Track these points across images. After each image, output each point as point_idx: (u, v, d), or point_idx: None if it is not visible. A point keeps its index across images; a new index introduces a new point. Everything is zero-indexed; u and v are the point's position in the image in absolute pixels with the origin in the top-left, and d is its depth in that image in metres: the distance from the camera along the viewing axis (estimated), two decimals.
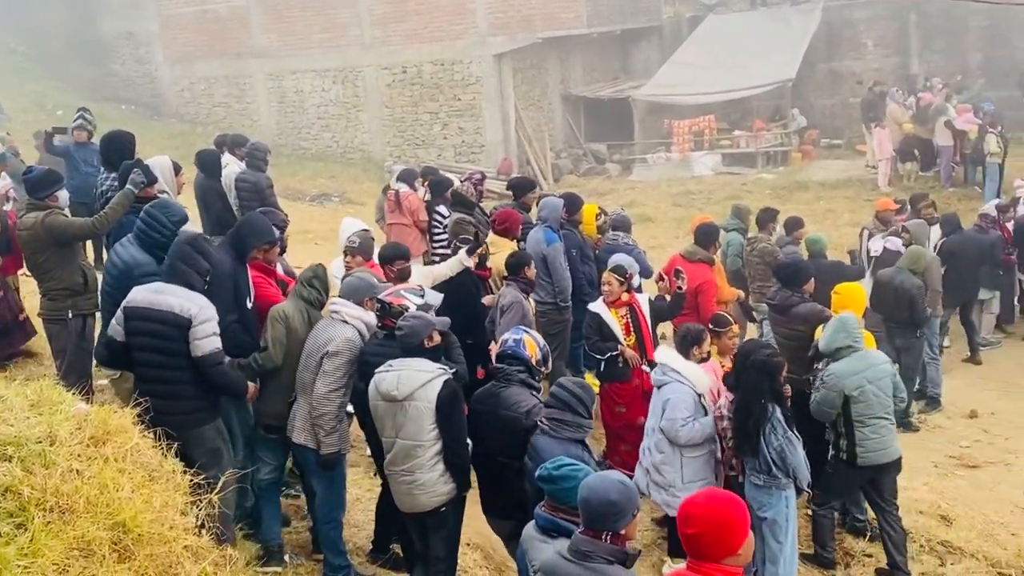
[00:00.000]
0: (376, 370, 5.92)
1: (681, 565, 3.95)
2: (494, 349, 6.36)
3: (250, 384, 6.24)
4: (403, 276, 7.36)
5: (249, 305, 6.60)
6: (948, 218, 13.27)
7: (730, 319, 7.74)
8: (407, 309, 6.16)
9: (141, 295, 5.82)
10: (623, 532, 4.13)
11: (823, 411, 7.33)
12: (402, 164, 17.43)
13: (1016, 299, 14.02)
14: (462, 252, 8.36)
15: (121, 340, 5.85)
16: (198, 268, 5.90)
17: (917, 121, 21.93)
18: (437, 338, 6.01)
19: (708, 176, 24.69)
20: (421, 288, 6.63)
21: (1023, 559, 7.71)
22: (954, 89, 24.32)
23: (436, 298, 6.60)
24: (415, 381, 5.77)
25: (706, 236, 9.75)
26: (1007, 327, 13.92)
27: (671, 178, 24.60)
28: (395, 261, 7.45)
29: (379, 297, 6.35)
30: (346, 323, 6.33)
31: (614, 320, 8.16)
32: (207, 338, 5.73)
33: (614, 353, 8.16)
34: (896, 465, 7.38)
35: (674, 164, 25.54)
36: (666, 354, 7.17)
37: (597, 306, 8.30)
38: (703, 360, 7.14)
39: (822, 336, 7.52)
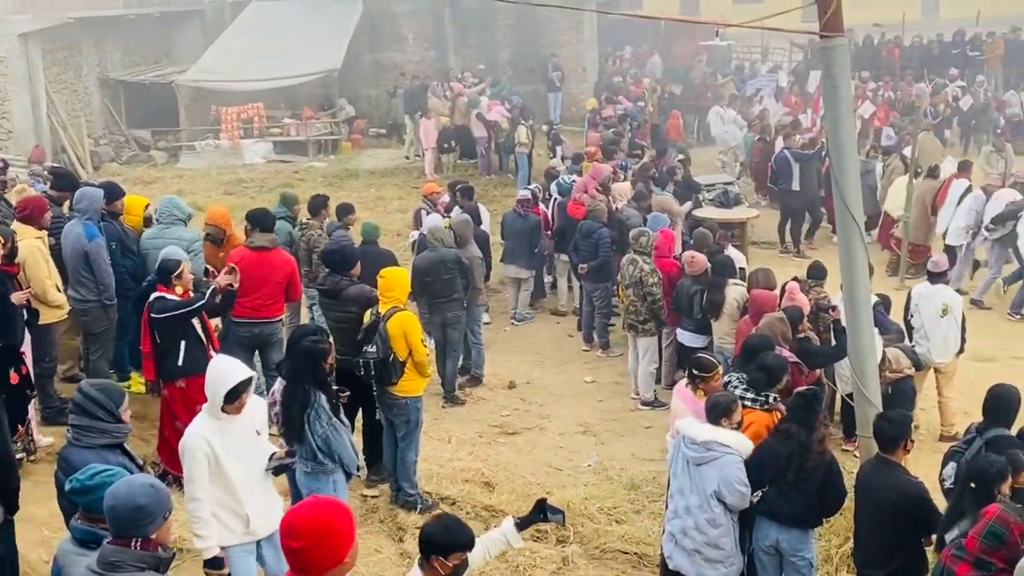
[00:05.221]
0: None
1: None
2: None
3: None
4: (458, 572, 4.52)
5: None
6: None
7: (715, 362, 7.58)
8: None
9: None
10: (154, 537, 3.98)
11: None
12: None
13: (547, 276, 15.31)
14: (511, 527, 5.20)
15: None
16: None
17: (450, 111, 23.31)
18: None
19: (260, 164, 24.53)
20: None
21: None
22: (489, 83, 26.11)
23: None
24: None
25: (260, 221, 9.67)
26: (539, 303, 15.17)
27: (221, 166, 24.13)
28: (452, 553, 4.40)
29: None
30: None
31: None
32: None
33: None
34: None
35: (224, 152, 25.04)
36: (703, 430, 6.73)
37: None
38: (736, 428, 6.86)
39: None
